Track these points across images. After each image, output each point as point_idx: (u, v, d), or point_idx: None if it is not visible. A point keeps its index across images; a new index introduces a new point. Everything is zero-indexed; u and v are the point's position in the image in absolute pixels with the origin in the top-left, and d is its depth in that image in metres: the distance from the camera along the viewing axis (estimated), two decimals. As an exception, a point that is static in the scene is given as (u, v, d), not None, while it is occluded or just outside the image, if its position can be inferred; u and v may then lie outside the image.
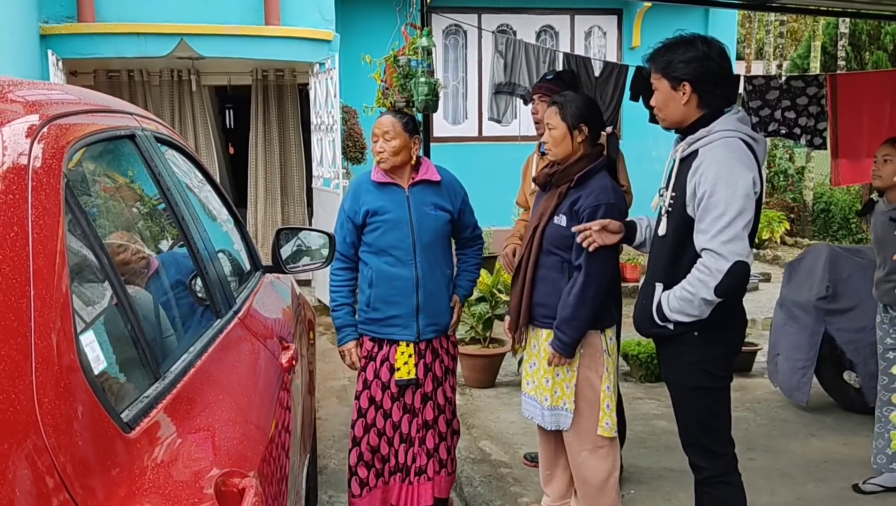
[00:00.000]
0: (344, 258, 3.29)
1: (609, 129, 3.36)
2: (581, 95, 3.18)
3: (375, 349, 3.28)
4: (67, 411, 1.01)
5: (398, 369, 3.22)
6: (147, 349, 1.34)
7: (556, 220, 3.05)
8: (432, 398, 3.32)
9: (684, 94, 2.55)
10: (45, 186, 1.18)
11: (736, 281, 2.41)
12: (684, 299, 2.48)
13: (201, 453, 1.29)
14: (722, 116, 2.55)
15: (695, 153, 2.53)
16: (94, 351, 1.14)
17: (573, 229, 2.93)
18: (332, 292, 3.34)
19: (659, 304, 2.58)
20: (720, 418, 2.69)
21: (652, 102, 2.69)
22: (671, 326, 2.57)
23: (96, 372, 1.12)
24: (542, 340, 3.14)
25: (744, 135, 2.52)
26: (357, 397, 3.30)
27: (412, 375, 3.23)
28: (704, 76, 2.52)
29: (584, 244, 2.87)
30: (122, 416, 1.15)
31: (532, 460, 4.05)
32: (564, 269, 3.06)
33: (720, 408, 2.68)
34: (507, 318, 3.35)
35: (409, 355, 3.23)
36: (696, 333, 2.56)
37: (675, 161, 2.63)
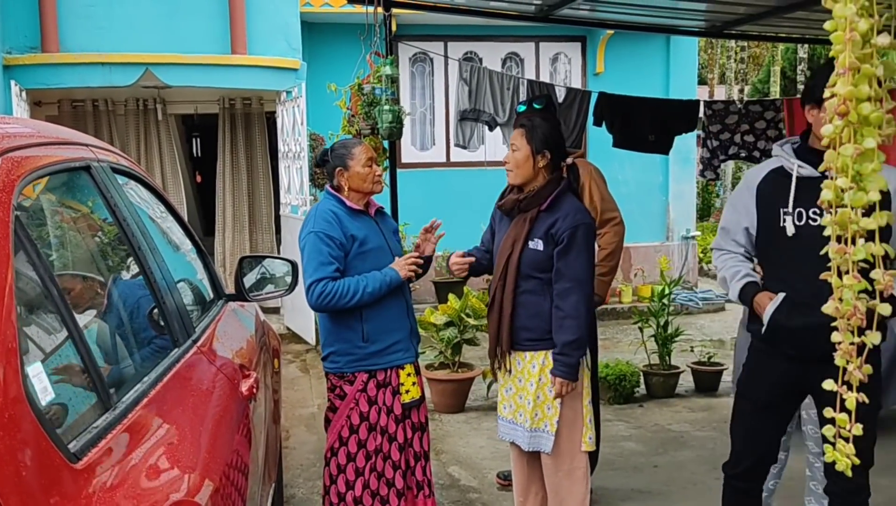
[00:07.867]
0: (336, 271, 3.08)
1: (569, 160, 3.38)
2: (549, 122, 3.15)
3: (374, 380, 3.18)
4: (11, 442, 1.01)
5: (407, 392, 3.22)
6: (98, 380, 1.34)
7: (531, 245, 3.02)
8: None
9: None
10: (-6, 218, 1.19)
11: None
12: None
13: (151, 482, 1.29)
14: None
15: None
16: (42, 382, 1.14)
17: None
18: (354, 285, 3.09)
19: None
20: None
21: None
22: None
23: (43, 403, 1.12)
24: (525, 363, 3.10)
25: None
26: (355, 431, 3.17)
27: (419, 395, 3.27)
28: None
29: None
30: (70, 446, 1.15)
31: (506, 478, 4.04)
32: (545, 290, 3.03)
33: None
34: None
35: (410, 375, 3.24)
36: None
37: None
